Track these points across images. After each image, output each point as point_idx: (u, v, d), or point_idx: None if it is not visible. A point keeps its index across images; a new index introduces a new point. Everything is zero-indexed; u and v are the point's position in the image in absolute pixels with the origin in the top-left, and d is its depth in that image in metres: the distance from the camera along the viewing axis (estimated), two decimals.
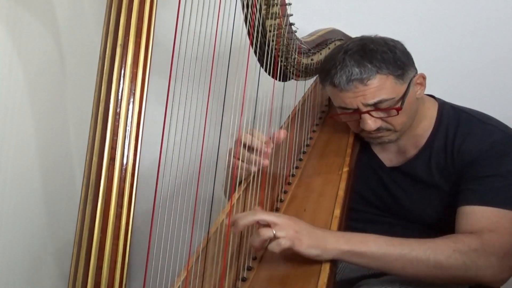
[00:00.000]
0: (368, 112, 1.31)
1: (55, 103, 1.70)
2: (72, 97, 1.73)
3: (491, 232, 1.17)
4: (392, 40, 1.35)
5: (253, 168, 1.30)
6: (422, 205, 1.39)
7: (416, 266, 1.12)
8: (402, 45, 1.35)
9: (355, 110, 1.33)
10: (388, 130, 1.35)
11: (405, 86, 1.31)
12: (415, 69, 1.36)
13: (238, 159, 1.30)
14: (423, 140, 1.39)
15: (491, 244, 1.15)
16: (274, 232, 1.08)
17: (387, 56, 1.30)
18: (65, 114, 1.74)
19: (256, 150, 1.28)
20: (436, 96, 1.46)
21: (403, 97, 1.31)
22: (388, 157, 1.45)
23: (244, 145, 1.29)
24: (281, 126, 1.51)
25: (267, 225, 1.10)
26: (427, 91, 1.41)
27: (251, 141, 1.28)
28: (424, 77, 1.36)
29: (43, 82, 1.62)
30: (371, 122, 1.32)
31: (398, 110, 1.30)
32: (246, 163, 1.30)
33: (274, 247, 1.09)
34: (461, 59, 1.91)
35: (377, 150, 1.46)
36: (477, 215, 1.21)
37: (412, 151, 1.41)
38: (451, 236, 1.18)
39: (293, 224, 1.11)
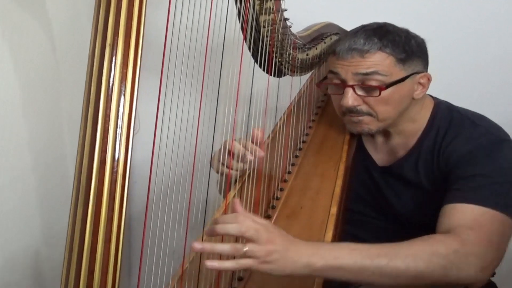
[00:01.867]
0: (352, 86, 1.29)
1: (49, 104, 1.68)
2: (66, 98, 1.71)
3: (470, 229, 1.14)
4: (416, 34, 1.33)
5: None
6: (410, 206, 1.37)
7: (395, 277, 1.07)
8: (423, 41, 1.34)
9: (342, 82, 1.31)
10: (370, 115, 1.32)
11: (404, 74, 1.29)
12: (425, 68, 1.33)
13: (223, 164, 1.31)
14: (413, 141, 1.37)
15: (469, 243, 1.11)
16: (245, 249, 1.00)
17: (399, 39, 1.29)
18: (59, 115, 1.72)
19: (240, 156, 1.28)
20: (436, 94, 1.43)
21: (395, 82, 1.28)
22: (380, 157, 1.44)
23: (229, 152, 1.29)
24: (277, 123, 1.49)
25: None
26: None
27: (235, 150, 1.28)
28: (429, 79, 1.33)
29: (36, 82, 1.60)
30: (350, 98, 1.29)
31: (381, 89, 1.27)
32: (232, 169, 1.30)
33: (233, 265, 1.01)
34: (460, 58, 1.90)
35: (370, 149, 1.45)
36: (457, 212, 1.18)
37: (402, 152, 1.39)
38: (428, 238, 1.12)
39: (269, 243, 1.01)
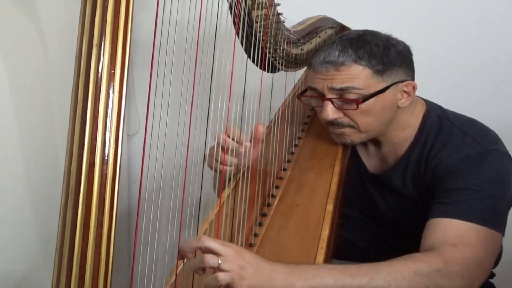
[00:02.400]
0: (331, 99, 1.27)
1: (41, 106, 1.65)
2: (59, 99, 1.68)
3: (454, 247, 1.11)
4: (397, 41, 1.29)
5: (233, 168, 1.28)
6: (400, 214, 1.35)
7: None
8: (406, 48, 1.30)
9: (321, 95, 1.29)
10: (351, 127, 1.30)
11: (383, 85, 1.25)
12: (408, 76, 1.29)
13: (217, 160, 1.28)
14: (403, 150, 1.34)
15: (453, 262, 1.08)
16: (220, 262, 0.97)
17: (377, 50, 1.25)
18: (52, 117, 1.70)
19: (234, 150, 1.26)
20: (435, 94, 1.41)
21: (373, 94, 1.25)
22: (372, 163, 1.41)
23: (222, 147, 1.26)
24: (271, 119, 1.47)
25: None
26: (423, 93, 1.36)
27: (229, 144, 1.26)
28: (414, 87, 1.29)
29: (29, 84, 1.58)
30: (329, 111, 1.27)
31: (358, 103, 1.24)
32: (226, 164, 1.28)
33: (211, 281, 0.97)
34: (458, 57, 1.89)
35: (362, 155, 1.42)
36: (441, 228, 1.15)
37: (392, 160, 1.37)
38: (410, 257, 1.09)
39: (239, 257, 0.98)
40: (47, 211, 1.64)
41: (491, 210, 1.18)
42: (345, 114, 1.28)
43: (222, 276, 0.95)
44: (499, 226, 1.18)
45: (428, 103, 1.37)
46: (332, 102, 1.27)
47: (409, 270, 1.05)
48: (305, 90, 1.37)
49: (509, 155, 1.27)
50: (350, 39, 1.27)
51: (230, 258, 0.96)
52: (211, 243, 0.97)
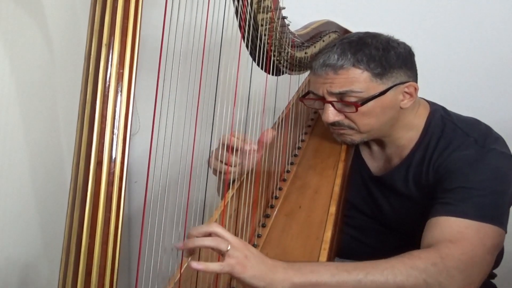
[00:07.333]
0: (331, 102, 1.28)
1: (46, 106, 1.66)
2: (64, 99, 1.69)
3: (452, 243, 1.12)
4: (398, 43, 1.30)
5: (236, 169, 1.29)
6: (403, 216, 1.36)
7: None
8: (406, 50, 1.30)
9: (321, 98, 1.30)
10: (351, 128, 1.31)
11: (383, 87, 1.26)
12: (410, 77, 1.30)
13: (221, 161, 1.29)
14: (407, 151, 1.35)
15: (450, 257, 1.09)
16: (229, 248, 0.99)
17: (376, 53, 1.26)
18: (56, 117, 1.70)
19: (240, 151, 1.27)
20: (436, 95, 1.42)
21: (373, 97, 1.26)
22: (375, 165, 1.42)
23: (228, 148, 1.27)
24: (275, 122, 1.48)
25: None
26: (425, 93, 1.37)
27: (234, 143, 1.26)
28: (416, 88, 1.30)
29: (33, 84, 1.58)
30: (330, 114, 1.29)
31: (357, 106, 1.25)
32: (230, 165, 1.29)
33: (215, 267, 1.00)
34: (459, 58, 1.90)
35: (366, 157, 1.43)
36: (441, 226, 1.16)
37: (396, 162, 1.37)
38: (407, 253, 1.10)
39: (244, 248, 1.01)
40: (51, 209, 1.64)
41: (491, 207, 1.19)
42: (346, 116, 1.30)
43: (226, 264, 0.98)
44: (500, 222, 1.19)
45: (431, 105, 1.38)
46: (333, 105, 1.28)
47: (405, 265, 1.07)
48: (308, 93, 1.39)
49: (509, 155, 1.28)
50: (350, 42, 1.28)
51: (238, 247, 1.00)
52: (221, 230, 1.01)
